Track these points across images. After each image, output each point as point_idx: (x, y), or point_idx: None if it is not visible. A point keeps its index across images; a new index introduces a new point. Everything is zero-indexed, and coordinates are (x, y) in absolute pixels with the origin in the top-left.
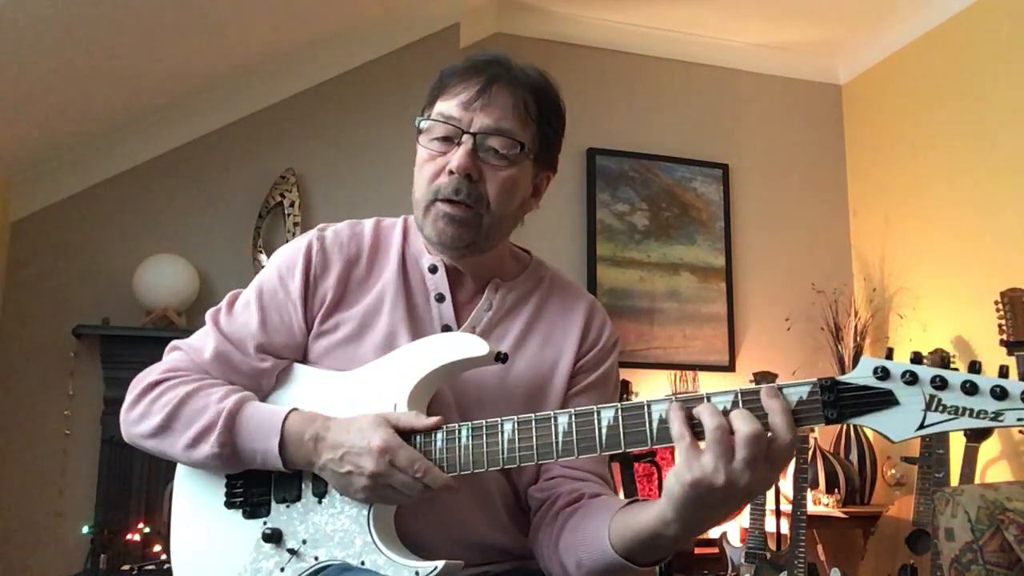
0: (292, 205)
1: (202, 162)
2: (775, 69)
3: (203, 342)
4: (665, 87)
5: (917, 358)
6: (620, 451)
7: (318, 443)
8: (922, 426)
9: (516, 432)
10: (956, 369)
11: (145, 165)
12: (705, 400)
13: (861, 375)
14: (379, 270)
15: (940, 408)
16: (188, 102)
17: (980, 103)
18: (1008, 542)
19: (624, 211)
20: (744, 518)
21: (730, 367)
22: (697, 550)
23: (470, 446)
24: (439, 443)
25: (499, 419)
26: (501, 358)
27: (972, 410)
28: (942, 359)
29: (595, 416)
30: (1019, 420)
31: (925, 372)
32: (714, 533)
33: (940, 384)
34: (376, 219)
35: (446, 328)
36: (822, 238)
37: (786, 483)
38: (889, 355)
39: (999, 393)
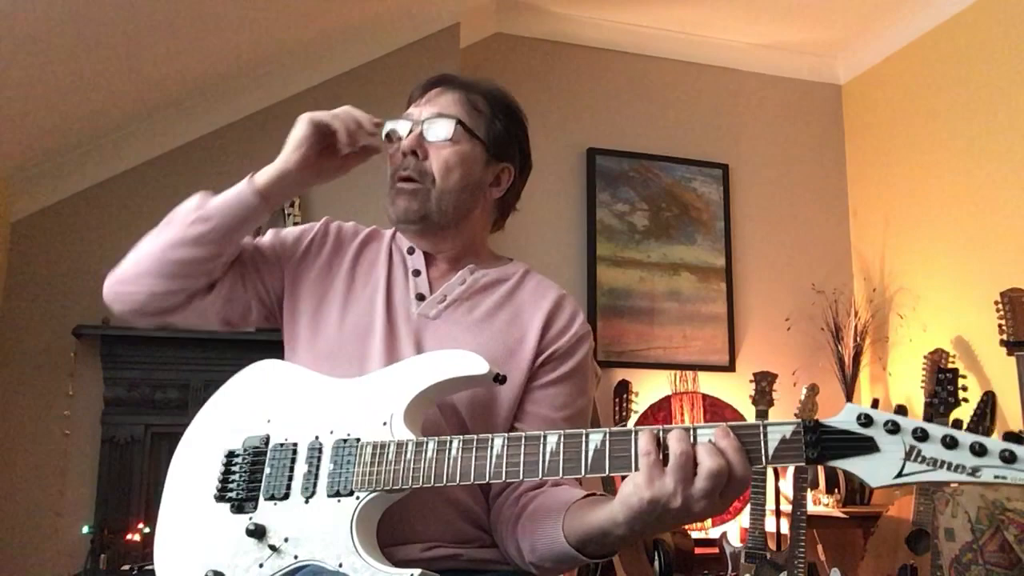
0: (292, 205)
1: (202, 162)
2: (775, 69)
3: None
4: (665, 87)
5: (902, 410)
6: (604, 474)
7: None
8: (900, 474)
9: (505, 448)
10: (957, 369)
11: (145, 165)
12: (685, 431)
13: (844, 420)
14: (368, 252)
15: (919, 459)
16: (188, 102)
17: (980, 103)
18: (1008, 542)
19: (624, 211)
20: (744, 518)
21: (730, 367)
22: (697, 550)
23: (460, 459)
24: (430, 453)
25: (490, 435)
26: (499, 379)
27: (951, 464)
28: (942, 359)
29: (583, 439)
30: (996, 477)
31: (907, 423)
32: (714, 533)
33: (921, 436)
34: (376, 227)
35: (420, 296)
36: (822, 238)
37: (786, 483)
38: (875, 404)
39: (978, 450)
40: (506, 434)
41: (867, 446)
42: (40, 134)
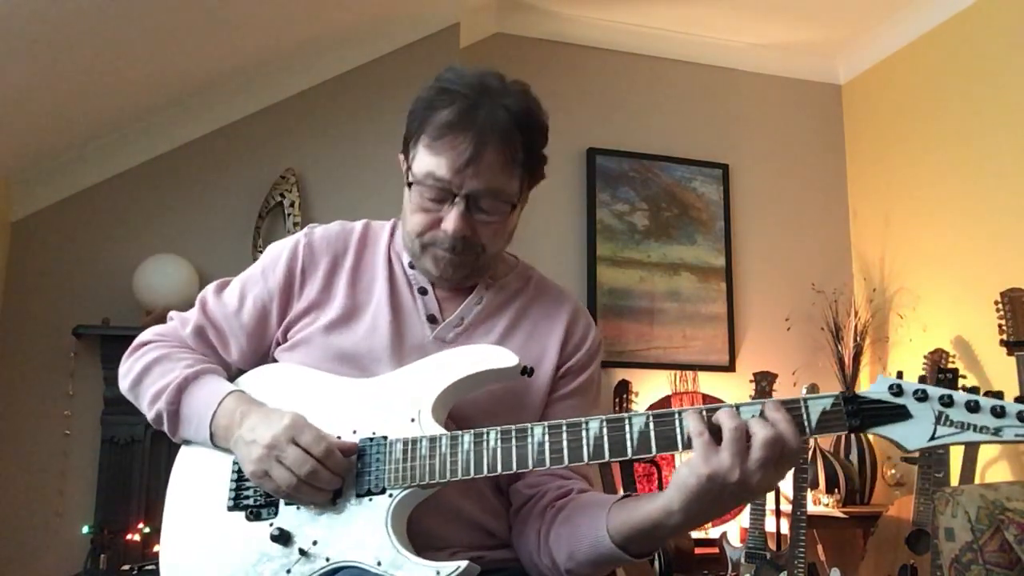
0: (292, 205)
1: (202, 162)
2: (775, 69)
3: (189, 317)
4: (665, 87)
5: (922, 380)
6: (651, 455)
7: (244, 417)
8: (933, 437)
9: (547, 436)
10: (957, 369)
11: (145, 165)
12: (733, 408)
13: (878, 391)
14: (367, 263)
15: (948, 423)
16: (188, 102)
17: (980, 103)
18: (1008, 542)
19: (624, 211)
20: (744, 518)
21: (730, 367)
22: (697, 550)
23: (499, 449)
24: (466, 445)
25: (528, 424)
26: (528, 372)
27: (976, 426)
28: (942, 359)
29: (626, 422)
30: (1017, 436)
31: (934, 391)
32: (714, 533)
33: (947, 402)
34: (366, 221)
35: (431, 318)
36: (822, 238)
37: (786, 483)
38: (899, 376)
39: (999, 412)
40: (545, 422)
41: (900, 413)
42: (40, 134)
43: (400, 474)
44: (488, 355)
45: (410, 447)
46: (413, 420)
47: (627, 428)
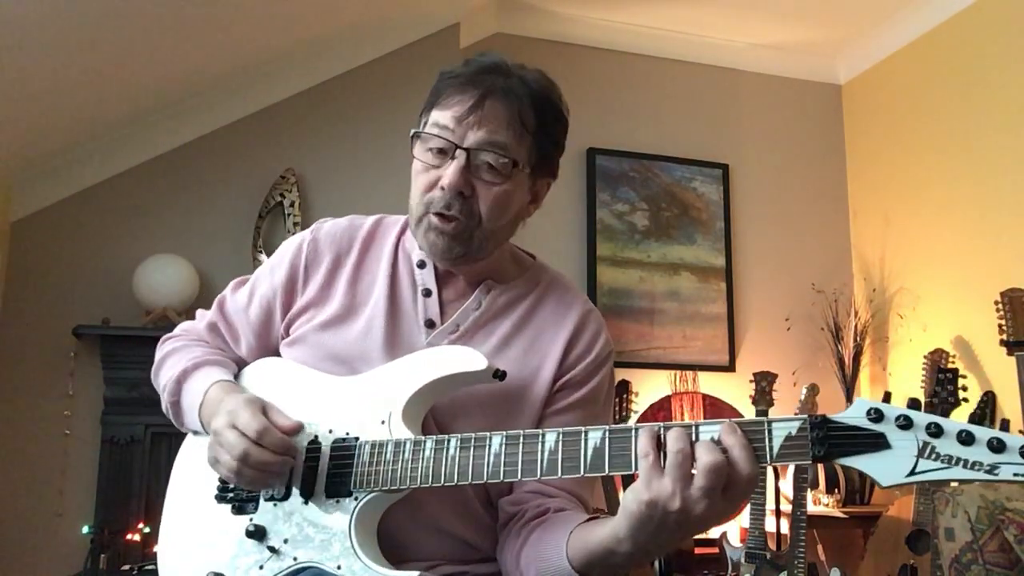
0: (292, 205)
1: (202, 162)
2: (775, 69)
3: (208, 313)
4: (665, 87)
5: (914, 404)
6: (604, 474)
7: (219, 405)
8: (913, 472)
9: (504, 447)
10: (957, 369)
11: (145, 165)
12: (685, 428)
13: (854, 415)
14: (370, 262)
15: (933, 456)
16: (188, 102)
17: (980, 103)
18: (1008, 542)
19: (624, 211)
20: (744, 518)
21: (730, 367)
22: (697, 550)
23: (457, 458)
24: (427, 452)
25: (488, 433)
26: (499, 375)
27: (967, 461)
28: (942, 359)
29: (582, 437)
30: (1016, 475)
31: (920, 418)
32: (714, 533)
33: (935, 431)
34: (380, 216)
35: (429, 323)
36: (822, 238)
37: (786, 483)
38: (886, 398)
39: (996, 446)
40: (504, 432)
41: (877, 443)
42: (40, 134)
43: (365, 478)
44: (458, 358)
45: (376, 450)
46: (383, 423)
47: (582, 443)
